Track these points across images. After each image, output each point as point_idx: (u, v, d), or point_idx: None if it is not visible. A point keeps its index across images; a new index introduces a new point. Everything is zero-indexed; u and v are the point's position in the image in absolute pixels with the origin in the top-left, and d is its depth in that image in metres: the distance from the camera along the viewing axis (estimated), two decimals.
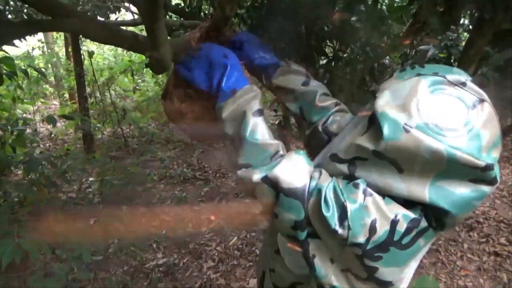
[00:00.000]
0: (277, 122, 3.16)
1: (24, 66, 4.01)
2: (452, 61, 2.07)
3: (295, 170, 0.66)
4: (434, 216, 0.62)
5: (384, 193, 0.62)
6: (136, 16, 3.03)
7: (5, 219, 1.43)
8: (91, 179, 3.52)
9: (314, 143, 0.91)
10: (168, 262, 2.54)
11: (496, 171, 0.57)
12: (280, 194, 0.65)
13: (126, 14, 5.78)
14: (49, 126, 4.97)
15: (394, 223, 0.60)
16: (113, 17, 3.24)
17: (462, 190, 0.58)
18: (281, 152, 0.71)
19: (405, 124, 0.56)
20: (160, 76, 5.15)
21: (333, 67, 1.84)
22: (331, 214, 0.61)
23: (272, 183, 0.65)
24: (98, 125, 4.59)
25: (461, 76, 0.61)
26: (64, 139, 4.84)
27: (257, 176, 0.66)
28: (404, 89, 0.60)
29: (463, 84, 0.59)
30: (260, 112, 0.73)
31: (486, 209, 3.10)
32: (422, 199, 0.59)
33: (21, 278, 1.81)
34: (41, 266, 2.11)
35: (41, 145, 4.49)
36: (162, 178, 3.75)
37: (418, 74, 0.61)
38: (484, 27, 1.28)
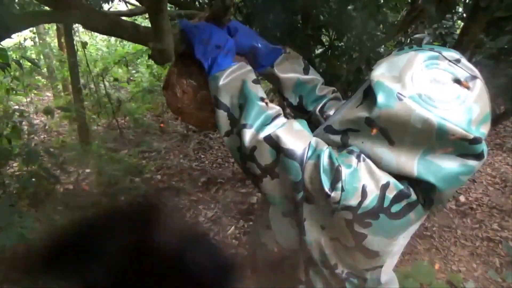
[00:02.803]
0: None
1: (16, 57, 3.96)
2: None
3: (296, 134, 0.69)
4: (422, 192, 0.64)
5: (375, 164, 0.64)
6: (130, 7, 3.00)
7: (6, 210, 1.43)
8: (87, 170, 3.51)
9: (311, 128, 0.92)
10: None
11: (484, 146, 0.59)
12: (281, 154, 0.67)
13: (119, 4, 5.71)
14: (43, 118, 4.93)
15: (384, 188, 0.62)
16: (105, 7, 3.20)
17: (450, 165, 0.60)
18: (282, 116, 0.73)
19: (398, 93, 0.58)
20: (155, 67, 5.11)
21: (329, 56, 1.85)
22: (326, 178, 0.63)
23: (274, 143, 0.67)
24: (93, 116, 4.56)
25: (456, 54, 0.63)
26: (58, 131, 4.81)
27: (261, 135, 0.68)
28: (400, 61, 0.61)
29: (457, 61, 0.61)
30: (258, 82, 0.75)
31: (479, 195, 3.15)
32: (410, 172, 0.61)
33: (22, 269, 1.82)
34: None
35: (36, 137, 4.46)
36: (159, 169, 3.75)
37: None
38: (478, 15, 1.29)
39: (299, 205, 0.67)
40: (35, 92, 5.23)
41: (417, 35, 2.14)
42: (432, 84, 0.58)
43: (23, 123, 2.45)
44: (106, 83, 4.81)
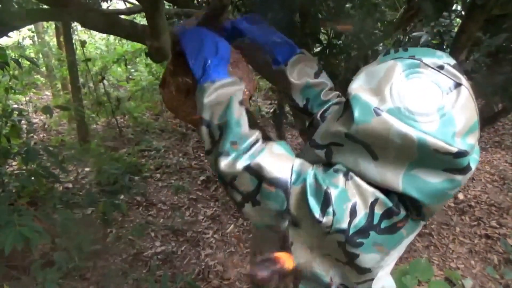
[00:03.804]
0: (271, 111, 3.18)
1: (15, 56, 3.96)
2: (444, 47, 2.09)
3: (277, 159, 0.65)
4: (411, 205, 0.62)
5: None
6: (128, 5, 3.00)
7: (5, 209, 1.44)
8: (87, 169, 3.52)
9: (313, 132, 0.91)
10: (166, 250, 2.57)
11: (473, 158, 0.57)
12: (263, 182, 0.63)
13: (117, 3, 5.71)
14: (42, 117, 4.93)
15: (372, 205, 0.60)
16: (104, 6, 3.20)
17: (435, 180, 0.57)
18: (261, 141, 0.69)
19: (376, 107, 0.55)
20: (154, 65, 5.11)
21: (327, 55, 1.85)
22: (315, 202, 0.60)
23: (255, 172, 0.64)
24: (92, 115, 4.56)
25: (441, 59, 0.59)
26: (58, 130, 4.81)
27: (239, 165, 0.64)
28: (378, 72, 0.59)
29: (440, 68, 0.57)
30: (243, 103, 0.70)
31: (477, 193, 3.16)
32: (396, 188, 0.59)
33: (22, 267, 1.83)
34: (42, 254, 2.13)
35: (35, 136, 4.46)
36: (158, 167, 3.76)
37: (399, 58, 0.60)
38: (475, 12, 1.30)
39: (285, 230, 0.65)
40: (34, 91, 5.22)
41: (415, 33, 2.14)
42: (411, 95, 0.55)
43: (22, 122, 2.45)
44: (105, 82, 4.80)
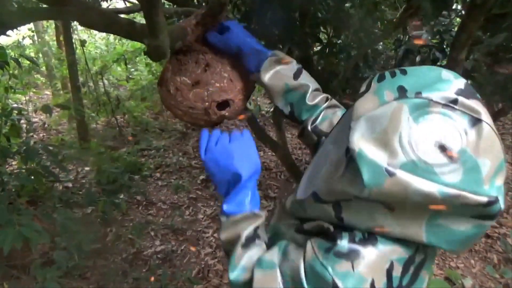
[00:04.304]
0: (271, 110, 3.18)
1: (15, 55, 3.96)
2: (444, 46, 2.09)
3: (266, 278, 0.62)
4: (431, 249, 0.58)
5: (376, 233, 0.55)
6: (127, 4, 3.00)
7: (4, 208, 1.44)
8: (86, 168, 3.52)
9: (306, 142, 0.86)
10: (166, 249, 2.57)
11: (501, 200, 0.49)
12: None
13: (117, 2, 5.70)
14: (42, 117, 4.94)
15: (389, 271, 0.54)
16: (104, 5, 3.20)
17: (463, 228, 0.51)
18: (252, 262, 0.67)
19: (387, 167, 0.47)
20: (154, 64, 5.12)
21: (327, 54, 1.85)
22: None
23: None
24: (92, 114, 4.57)
25: (450, 87, 0.50)
26: (58, 129, 4.82)
27: (234, 281, 0.66)
28: (381, 119, 0.50)
29: (454, 102, 0.48)
30: (255, 236, 0.70)
31: None
32: (419, 240, 0.53)
33: (22, 267, 1.83)
34: (41, 254, 2.13)
35: (35, 136, 4.46)
36: (158, 166, 3.76)
37: (400, 89, 0.51)
38: (475, 11, 1.30)
39: None
40: (34, 90, 5.23)
41: (414, 32, 2.14)
42: (426, 143, 0.47)
43: (22, 121, 2.45)
44: (105, 82, 4.81)
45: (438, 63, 2.20)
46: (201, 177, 3.54)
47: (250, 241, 0.69)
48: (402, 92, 0.50)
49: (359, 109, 0.53)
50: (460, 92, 0.49)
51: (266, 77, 0.83)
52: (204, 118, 0.89)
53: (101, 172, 2.83)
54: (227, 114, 0.89)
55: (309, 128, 0.82)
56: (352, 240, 0.55)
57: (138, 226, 2.55)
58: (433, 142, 0.47)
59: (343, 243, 0.55)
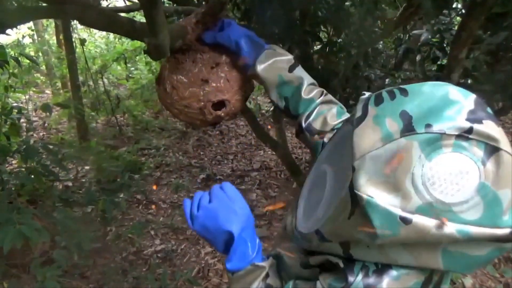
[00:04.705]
0: (271, 109, 3.18)
1: (14, 54, 3.96)
2: (445, 45, 2.09)
3: None
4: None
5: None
6: (128, 3, 3.00)
7: (4, 207, 1.44)
8: (86, 167, 3.52)
9: (304, 141, 0.84)
10: (166, 248, 2.57)
11: None
12: None
13: (117, 1, 5.70)
14: (42, 116, 4.93)
15: None
16: (104, 3, 3.20)
17: (482, 252, 0.47)
18: None
19: (402, 212, 0.44)
20: (153, 63, 5.11)
21: (327, 52, 1.85)
22: None
23: None
24: (92, 113, 4.56)
25: (461, 112, 0.44)
26: (57, 128, 4.81)
27: None
28: (390, 158, 0.45)
29: (469, 132, 0.43)
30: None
31: None
32: (437, 267, 0.49)
33: (22, 266, 1.83)
34: (41, 253, 2.13)
35: (35, 135, 4.46)
36: (158, 165, 3.76)
37: (403, 116, 0.45)
38: (476, 11, 1.29)
39: None
40: (34, 89, 5.23)
41: (415, 31, 2.14)
42: (441, 182, 0.43)
43: (22, 120, 2.45)
44: (105, 81, 4.80)
45: (439, 62, 2.20)
46: (201, 176, 3.54)
47: None
48: (407, 121, 0.45)
49: (361, 145, 0.47)
50: (472, 117, 0.44)
51: (261, 68, 0.82)
52: (199, 118, 0.89)
53: (101, 171, 2.83)
54: (222, 114, 0.88)
55: (303, 125, 0.80)
56: (366, 274, 0.51)
57: (138, 225, 2.55)
58: (449, 179, 0.43)
59: (357, 281, 0.51)
